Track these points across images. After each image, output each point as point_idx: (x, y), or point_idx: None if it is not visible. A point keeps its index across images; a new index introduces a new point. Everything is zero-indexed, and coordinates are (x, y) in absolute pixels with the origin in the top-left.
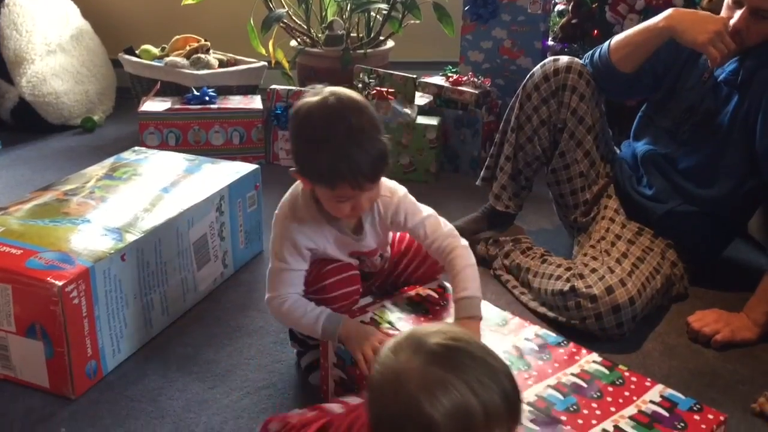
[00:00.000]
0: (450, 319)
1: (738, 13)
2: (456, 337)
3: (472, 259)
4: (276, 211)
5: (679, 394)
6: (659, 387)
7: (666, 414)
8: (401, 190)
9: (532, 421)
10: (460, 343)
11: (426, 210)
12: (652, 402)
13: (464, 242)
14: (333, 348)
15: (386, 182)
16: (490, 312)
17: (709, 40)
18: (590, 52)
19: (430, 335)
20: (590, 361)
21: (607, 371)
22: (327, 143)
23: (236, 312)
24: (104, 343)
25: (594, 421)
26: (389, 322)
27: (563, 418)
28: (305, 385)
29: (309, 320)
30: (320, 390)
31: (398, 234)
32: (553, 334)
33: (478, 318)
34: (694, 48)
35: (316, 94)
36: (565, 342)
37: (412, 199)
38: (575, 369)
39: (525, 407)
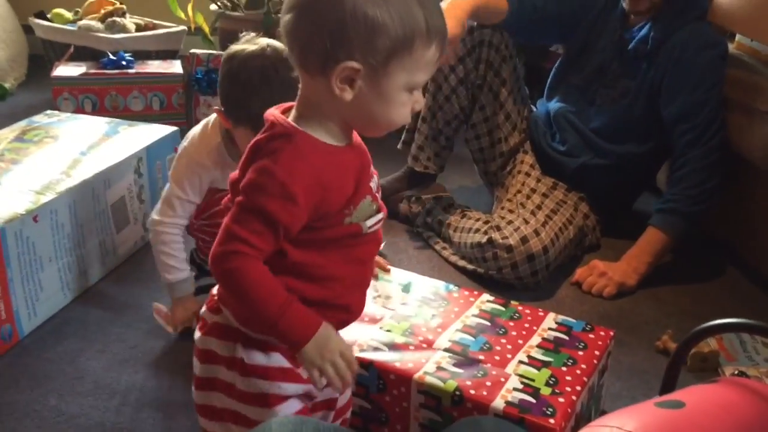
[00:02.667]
0: None
1: None
2: None
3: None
4: (184, 143)
5: (570, 318)
6: (552, 315)
7: (566, 337)
8: None
9: (454, 365)
10: None
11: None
12: (550, 329)
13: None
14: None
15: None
16: (397, 276)
17: None
18: None
19: None
20: (484, 300)
21: (503, 308)
22: (260, 91)
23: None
24: (19, 307)
25: (509, 355)
26: None
27: (481, 357)
28: None
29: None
30: None
31: None
32: (444, 283)
33: None
34: None
35: (252, 42)
36: (455, 287)
37: None
38: (474, 310)
39: (444, 354)
